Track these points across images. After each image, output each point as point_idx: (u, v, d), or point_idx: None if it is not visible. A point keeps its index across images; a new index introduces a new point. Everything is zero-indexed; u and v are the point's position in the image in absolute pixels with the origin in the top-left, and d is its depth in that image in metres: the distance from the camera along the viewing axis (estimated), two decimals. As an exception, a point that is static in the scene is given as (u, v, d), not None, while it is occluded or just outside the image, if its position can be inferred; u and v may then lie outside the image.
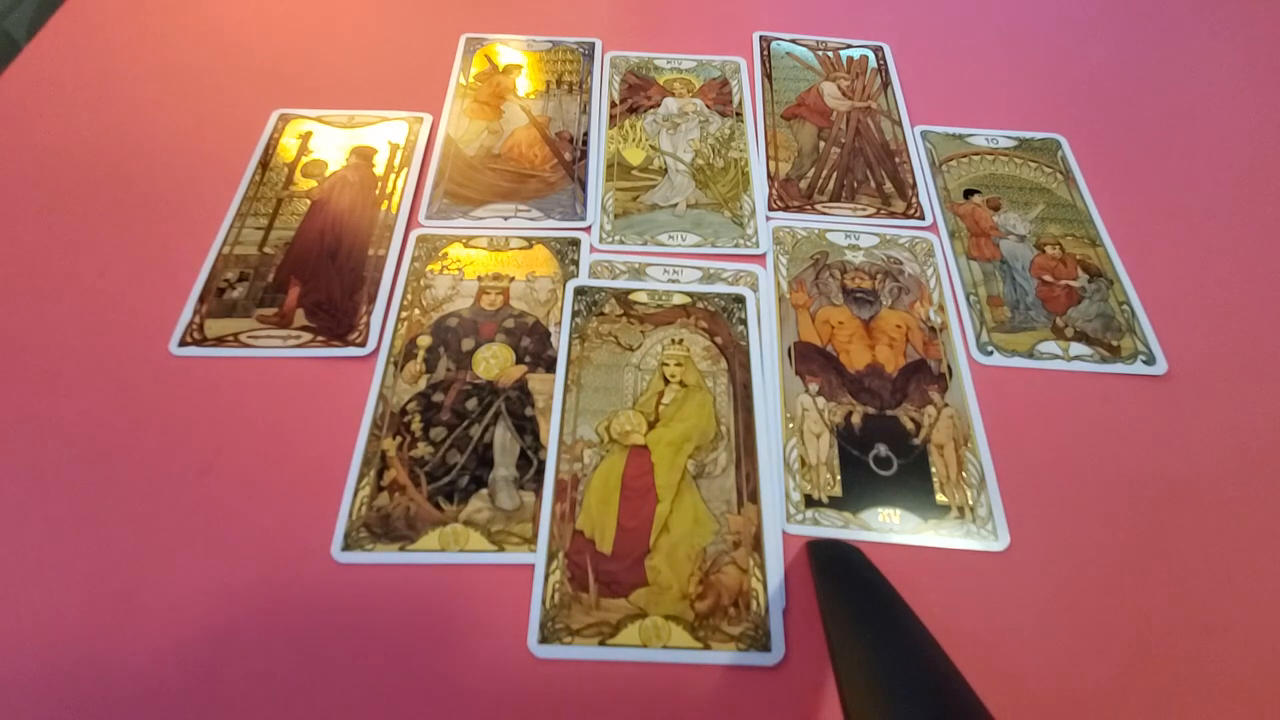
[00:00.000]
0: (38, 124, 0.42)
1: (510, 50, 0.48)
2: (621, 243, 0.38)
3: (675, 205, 0.40)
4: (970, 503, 0.31)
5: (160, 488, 0.30)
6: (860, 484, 0.31)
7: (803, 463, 0.31)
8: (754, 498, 0.30)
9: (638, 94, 0.45)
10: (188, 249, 0.37)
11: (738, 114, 0.45)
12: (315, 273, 0.37)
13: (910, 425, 0.33)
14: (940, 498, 0.31)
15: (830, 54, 0.48)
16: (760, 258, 0.38)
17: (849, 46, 0.49)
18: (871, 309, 0.36)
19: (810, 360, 0.34)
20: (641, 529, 0.29)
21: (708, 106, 0.45)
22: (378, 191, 0.40)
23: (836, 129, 0.44)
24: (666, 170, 0.42)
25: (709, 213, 0.40)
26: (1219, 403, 0.34)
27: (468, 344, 0.34)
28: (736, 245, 0.38)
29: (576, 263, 0.37)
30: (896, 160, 0.43)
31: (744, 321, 0.35)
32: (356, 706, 0.26)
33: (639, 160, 0.42)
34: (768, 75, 0.47)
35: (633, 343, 0.35)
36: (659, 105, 0.45)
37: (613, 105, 0.45)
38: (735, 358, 0.34)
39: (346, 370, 0.34)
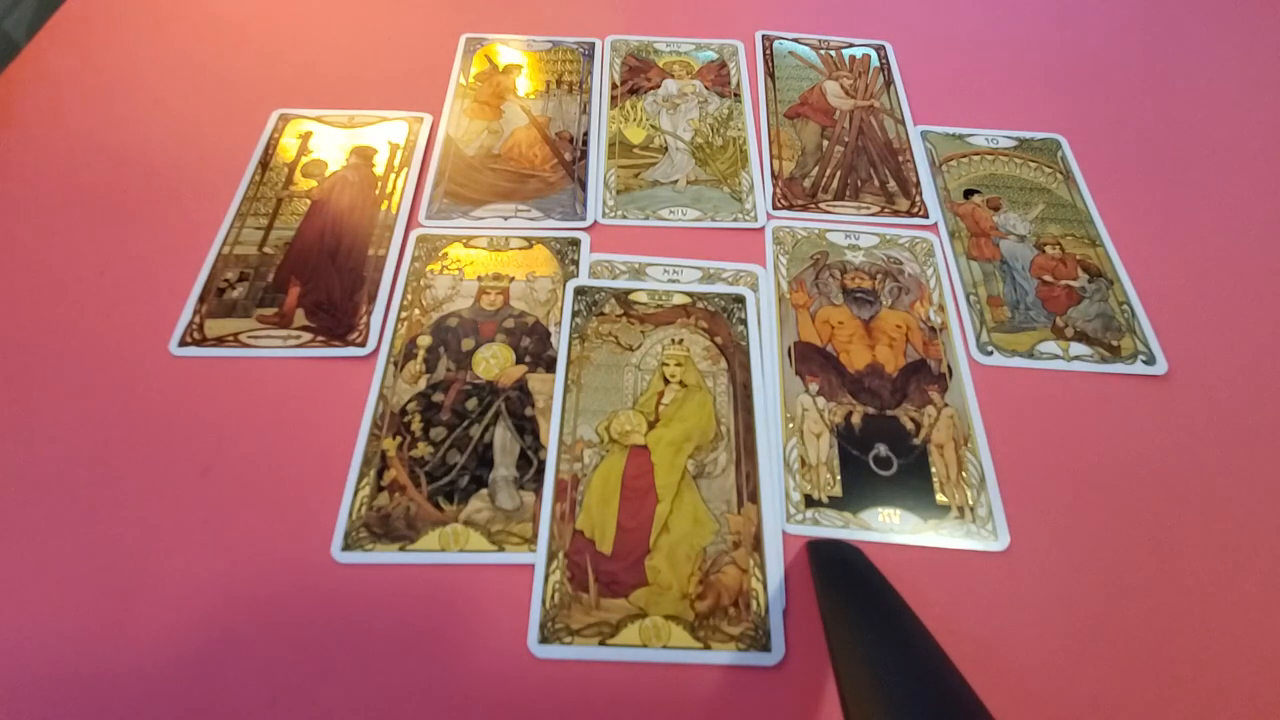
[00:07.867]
0: (38, 124, 0.42)
1: (510, 50, 0.48)
2: (624, 217, 0.39)
3: (676, 182, 0.41)
4: (970, 503, 0.31)
5: (160, 488, 0.30)
6: (860, 484, 0.31)
7: (803, 463, 0.31)
8: (754, 498, 0.30)
9: (638, 76, 0.46)
10: (188, 249, 0.37)
11: (736, 95, 0.45)
12: (315, 273, 0.36)
13: (910, 425, 0.33)
14: (940, 498, 0.31)
15: (833, 53, 0.48)
16: (759, 231, 0.39)
17: (851, 45, 0.49)
18: (871, 309, 0.36)
19: (810, 360, 0.34)
20: (641, 529, 0.29)
21: (706, 87, 0.46)
22: (378, 191, 0.40)
23: (840, 127, 0.44)
24: (667, 148, 0.42)
25: (708, 189, 0.41)
26: (1219, 403, 0.34)
27: (468, 344, 0.34)
28: (735, 219, 0.39)
29: (576, 263, 0.37)
30: (900, 159, 0.43)
31: (744, 321, 0.35)
32: (356, 706, 0.26)
33: (640, 139, 0.43)
34: (771, 74, 0.47)
35: (633, 343, 0.35)
36: (659, 86, 0.46)
37: (614, 86, 0.45)
38: (735, 358, 0.34)
39: (346, 370, 0.34)
